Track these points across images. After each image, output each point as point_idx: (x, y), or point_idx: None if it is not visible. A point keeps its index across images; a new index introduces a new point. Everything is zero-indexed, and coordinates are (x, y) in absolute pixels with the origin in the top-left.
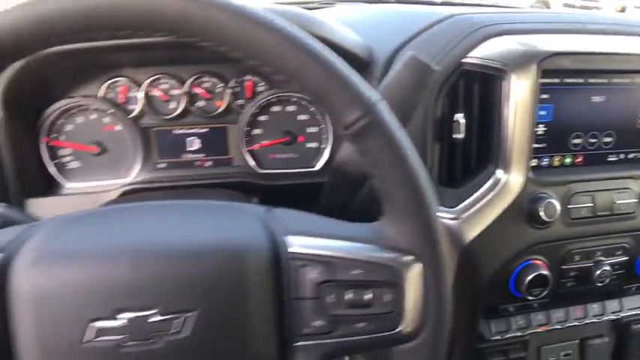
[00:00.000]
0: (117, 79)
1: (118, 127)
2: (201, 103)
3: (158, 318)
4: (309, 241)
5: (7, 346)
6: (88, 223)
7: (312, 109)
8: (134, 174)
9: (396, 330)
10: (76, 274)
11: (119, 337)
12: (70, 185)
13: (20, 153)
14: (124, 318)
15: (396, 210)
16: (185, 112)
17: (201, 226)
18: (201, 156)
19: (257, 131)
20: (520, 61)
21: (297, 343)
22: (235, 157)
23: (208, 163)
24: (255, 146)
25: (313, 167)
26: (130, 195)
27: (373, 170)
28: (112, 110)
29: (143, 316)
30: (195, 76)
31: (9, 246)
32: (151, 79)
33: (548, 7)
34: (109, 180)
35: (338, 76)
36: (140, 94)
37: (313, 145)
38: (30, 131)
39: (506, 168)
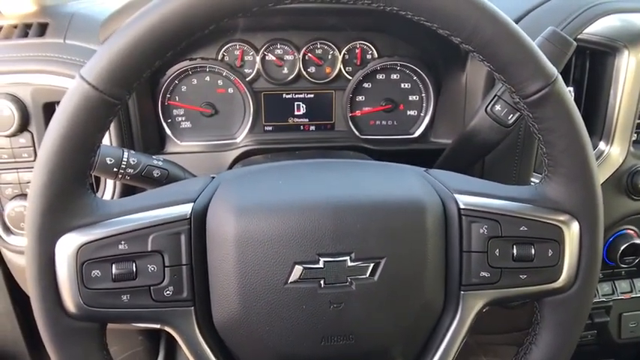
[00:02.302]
0: (234, 43)
1: (231, 90)
2: (311, 69)
3: (353, 263)
4: (477, 199)
5: (206, 284)
6: (276, 176)
7: (415, 77)
8: (242, 136)
9: (555, 282)
10: (282, 222)
11: (319, 278)
12: (183, 144)
13: (143, 112)
14: (324, 262)
15: (562, 173)
16: (296, 78)
17: (382, 182)
18: (305, 120)
19: (360, 98)
20: (634, 38)
21: (463, 292)
22: (338, 122)
23: (312, 128)
24: (358, 112)
25: (412, 134)
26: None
27: (545, 136)
28: (226, 73)
29: (341, 261)
30: (309, 43)
31: (200, 196)
32: (267, 44)
33: None
34: (218, 140)
35: (526, 49)
36: (257, 58)
37: (413, 113)
38: (150, 92)
39: (610, 141)
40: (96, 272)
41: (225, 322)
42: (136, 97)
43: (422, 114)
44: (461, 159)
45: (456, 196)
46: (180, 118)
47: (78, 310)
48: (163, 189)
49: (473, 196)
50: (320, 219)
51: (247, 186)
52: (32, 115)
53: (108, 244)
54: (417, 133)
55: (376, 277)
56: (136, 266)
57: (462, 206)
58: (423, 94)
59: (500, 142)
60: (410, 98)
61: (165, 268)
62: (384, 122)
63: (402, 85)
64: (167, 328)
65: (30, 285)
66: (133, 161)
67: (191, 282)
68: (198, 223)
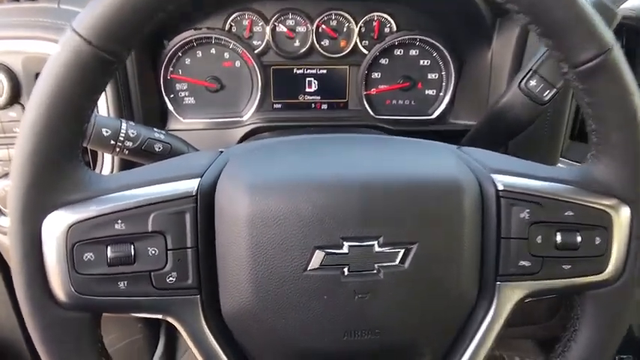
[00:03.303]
0: (242, 12)
1: (238, 64)
2: (325, 42)
3: (382, 249)
4: (517, 180)
5: (214, 270)
6: (293, 150)
7: (435, 54)
8: (249, 113)
9: (601, 274)
10: (301, 201)
11: (343, 265)
12: (185, 121)
13: (144, 85)
14: (348, 247)
15: (613, 154)
16: (309, 51)
17: (414, 158)
18: (317, 98)
19: (376, 75)
20: None
21: (499, 282)
22: (351, 100)
23: (324, 106)
24: (373, 91)
25: (430, 115)
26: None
27: (595, 110)
28: (233, 45)
29: (368, 245)
30: (323, 14)
31: (207, 171)
32: (278, 14)
33: None
34: (224, 118)
35: (580, 11)
36: (267, 29)
37: (432, 92)
38: (152, 63)
39: None
40: (89, 255)
41: (235, 313)
42: (137, 69)
43: (441, 93)
44: (488, 140)
45: (494, 176)
46: (183, 93)
47: (68, 298)
48: (165, 163)
49: (512, 176)
50: (345, 198)
51: (261, 160)
52: (23, 86)
53: (102, 224)
54: (436, 114)
55: (407, 265)
56: (134, 249)
57: (500, 187)
58: (443, 72)
59: (533, 121)
60: (429, 76)
61: (168, 252)
62: (400, 102)
63: (421, 62)
64: (169, 319)
65: (14, 270)
66: (132, 133)
67: (197, 267)
68: (205, 200)
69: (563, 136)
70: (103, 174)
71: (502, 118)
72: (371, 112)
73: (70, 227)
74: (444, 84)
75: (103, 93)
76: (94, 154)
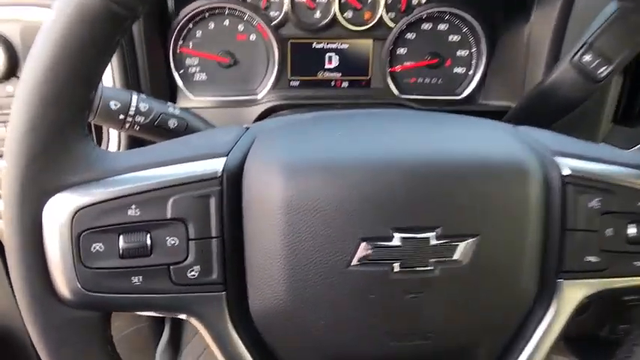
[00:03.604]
0: None
1: (253, 37)
2: (348, 14)
3: (439, 241)
4: (586, 164)
5: (242, 263)
6: (331, 126)
7: (465, 29)
8: (265, 91)
9: None
10: (345, 184)
11: (393, 260)
12: (196, 98)
13: (152, 60)
14: (400, 238)
15: None
16: (330, 23)
17: (472, 137)
18: (338, 75)
19: (402, 51)
20: None
21: (561, 280)
22: (375, 78)
23: (345, 84)
24: (398, 67)
25: (458, 95)
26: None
27: None
28: (248, 16)
29: (423, 238)
30: None
31: (233, 149)
32: None
33: None
34: (237, 96)
35: None
36: None
37: (461, 70)
38: (160, 35)
39: None
40: (98, 246)
41: (266, 313)
42: (145, 42)
43: (471, 72)
44: (529, 123)
45: (558, 159)
46: (194, 69)
47: (74, 295)
48: (184, 140)
49: (580, 159)
50: (397, 181)
51: (295, 137)
52: (21, 59)
53: (114, 209)
54: (465, 94)
55: (466, 260)
56: (150, 238)
57: (566, 172)
58: (474, 49)
59: (583, 101)
60: (458, 53)
61: (190, 242)
62: (427, 80)
63: (451, 38)
64: (190, 319)
65: (11, 263)
66: (144, 107)
67: (222, 260)
68: (232, 183)
69: (605, 119)
70: (113, 151)
71: (549, 98)
72: (395, 91)
73: (75, 213)
74: (474, 62)
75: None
76: (99, 131)
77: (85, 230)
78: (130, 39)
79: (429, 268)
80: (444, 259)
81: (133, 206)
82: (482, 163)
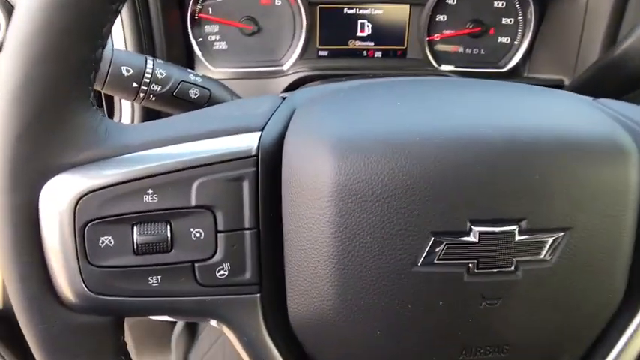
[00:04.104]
0: None
1: (278, 2)
2: None
3: (524, 237)
4: None
5: (280, 261)
6: (388, 96)
7: None
8: (291, 62)
9: None
10: (411, 167)
11: (469, 259)
12: (216, 69)
13: (168, 27)
14: (479, 233)
15: None
16: None
17: (554, 113)
18: (370, 44)
19: (441, 18)
20: None
21: None
22: (411, 48)
23: (378, 54)
24: (437, 36)
25: (502, 68)
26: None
27: None
28: None
29: (506, 232)
30: None
31: (269, 122)
32: None
33: None
34: (261, 67)
35: None
36: None
37: (505, 40)
38: (178, 1)
39: None
40: (107, 239)
41: (308, 319)
42: (161, 6)
43: (517, 42)
44: (596, 95)
45: None
46: (213, 37)
47: (79, 298)
48: (209, 111)
49: None
50: (474, 164)
51: (346, 108)
52: None
53: (126, 194)
54: (509, 66)
55: (554, 259)
56: (171, 230)
57: None
58: (520, 17)
59: None
60: (503, 21)
61: (218, 234)
62: (468, 50)
63: (495, 4)
64: (220, 324)
65: (3, 258)
66: (161, 74)
67: (257, 256)
68: (269, 163)
69: None
70: (124, 124)
71: (620, 69)
72: (433, 62)
73: (79, 199)
74: (520, 31)
75: (119, 24)
76: (110, 101)
77: (91, 220)
78: (144, 3)
79: (510, 268)
80: (528, 257)
81: (150, 191)
82: (577, 141)
